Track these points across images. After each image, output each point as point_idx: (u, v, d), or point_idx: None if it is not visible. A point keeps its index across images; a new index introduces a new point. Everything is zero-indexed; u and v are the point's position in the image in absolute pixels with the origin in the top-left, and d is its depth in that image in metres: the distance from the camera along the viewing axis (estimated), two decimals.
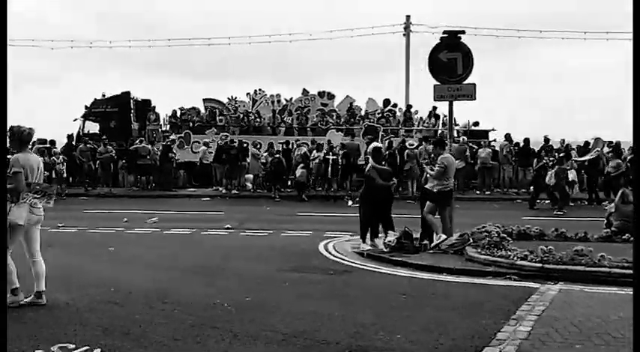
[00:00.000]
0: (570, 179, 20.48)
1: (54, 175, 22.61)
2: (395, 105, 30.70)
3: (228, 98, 30.90)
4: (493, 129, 28.78)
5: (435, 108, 29.86)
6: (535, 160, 21.34)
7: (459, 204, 21.12)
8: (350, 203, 21.04)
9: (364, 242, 12.42)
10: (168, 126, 29.83)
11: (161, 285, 9.07)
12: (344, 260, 11.46)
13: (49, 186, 8.01)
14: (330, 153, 22.29)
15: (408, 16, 32.62)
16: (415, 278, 9.88)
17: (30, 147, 8.24)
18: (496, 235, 11.20)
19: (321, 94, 30.96)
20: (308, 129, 28.94)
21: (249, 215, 18.14)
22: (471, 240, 11.49)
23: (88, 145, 24.89)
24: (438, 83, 12.39)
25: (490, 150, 23.57)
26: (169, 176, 24.28)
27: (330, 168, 22.13)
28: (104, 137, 24.77)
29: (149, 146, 24.25)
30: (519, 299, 8.00)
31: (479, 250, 10.91)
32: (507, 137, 23.83)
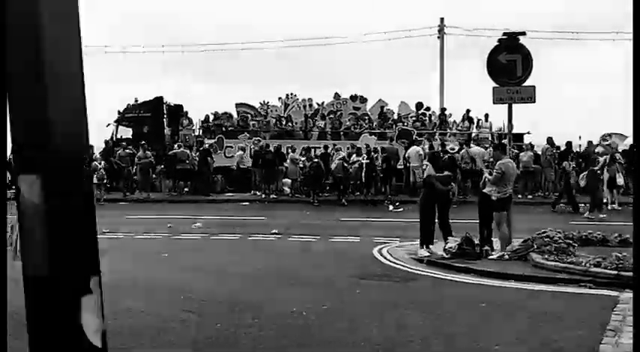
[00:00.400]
0: (618, 183, 20.02)
1: (95, 180, 22.55)
2: (428, 109, 30.44)
3: (260, 103, 30.77)
4: (528, 133, 28.41)
5: (468, 111, 29.65)
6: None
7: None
8: (391, 208, 20.83)
9: (422, 248, 12.20)
10: (200, 131, 29.78)
11: (231, 293, 8.93)
12: (405, 266, 11.23)
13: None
14: (370, 157, 22.00)
15: (442, 19, 32.36)
16: (484, 285, 9.65)
17: None
18: (561, 241, 10.94)
19: (353, 98, 30.75)
20: (341, 133, 28.78)
21: (291, 220, 17.96)
22: (535, 246, 11.23)
23: (127, 150, 24.80)
24: (497, 85, 12.14)
25: (532, 153, 23.16)
26: (207, 181, 24.14)
27: (370, 173, 21.80)
28: (143, 142, 24.66)
29: (187, 151, 24.13)
30: (605, 308, 7.75)
31: (545, 256, 10.64)
32: (549, 141, 23.41)
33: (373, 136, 28.22)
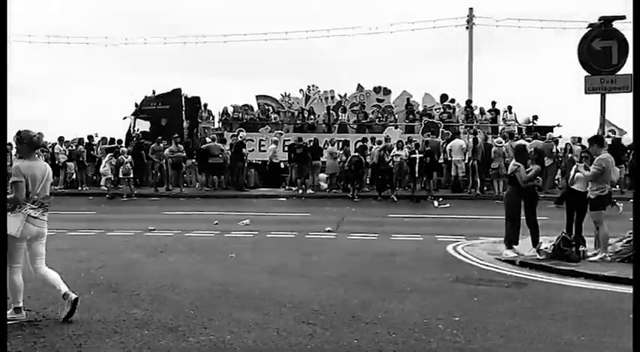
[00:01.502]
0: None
1: (121, 175, 21.65)
2: (453, 101, 29.60)
3: (282, 94, 29.89)
4: (559, 125, 27.75)
5: (494, 103, 28.94)
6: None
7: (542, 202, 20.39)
8: (436, 204, 20.03)
9: (509, 248, 11.39)
10: (220, 124, 28.85)
11: (339, 300, 8.05)
12: (498, 269, 10.43)
13: (48, 197, 7.11)
14: (417, 151, 21.10)
15: (470, 9, 31.50)
16: (609, 291, 8.80)
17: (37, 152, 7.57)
18: None
19: (376, 90, 29.91)
20: (365, 126, 27.95)
21: (337, 217, 17.09)
22: None
23: (161, 144, 23.75)
24: (589, 74, 11.33)
25: (579, 147, 22.36)
26: (241, 175, 23.22)
27: (415, 168, 20.90)
28: (176, 136, 23.68)
29: (220, 144, 23.17)
30: None
31: None
32: (578, 139, 22.55)
33: (399, 129, 27.45)
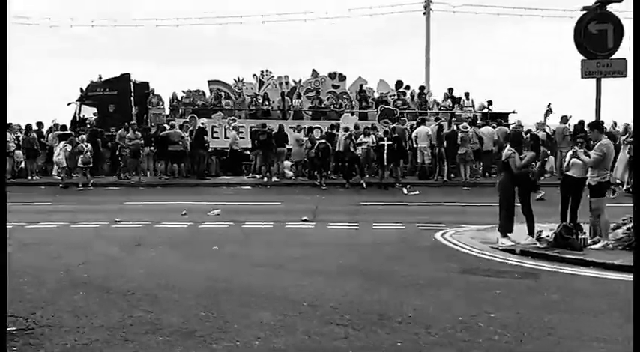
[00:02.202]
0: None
1: (80, 164, 20.32)
2: (407, 87, 29.27)
3: (235, 80, 28.89)
4: (514, 112, 27.83)
5: (451, 90, 28.72)
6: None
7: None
8: (405, 191, 19.64)
9: (505, 237, 11.05)
10: (168, 110, 27.70)
11: (356, 298, 7.48)
12: (500, 258, 10.09)
13: None
14: (385, 139, 20.59)
15: None
16: (622, 280, 8.49)
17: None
18: None
19: (332, 76, 29.17)
20: (320, 112, 27.32)
21: (309, 206, 16.47)
22: None
23: (135, 132, 22.48)
24: (585, 58, 11.06)
25: (545, 133, 22.33)
26: (202, 163, 22.22)
27: (383, 155, 20.39)
28: (133, 122, 22.47)
29: (180, 131, 22.10)
30: None
31: None
32: (563, 119, 22.44)
33: (354, 116, 26.95)
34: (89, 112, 27.28)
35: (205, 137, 22.34)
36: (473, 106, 28.27)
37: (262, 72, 29.22)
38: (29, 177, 22.46)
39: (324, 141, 20.76)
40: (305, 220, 14.14)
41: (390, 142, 20.45)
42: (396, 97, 28.15)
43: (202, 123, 23.03)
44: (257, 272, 8.92)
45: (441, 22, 34.87)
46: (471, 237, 12.00)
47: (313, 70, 29.40)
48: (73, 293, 7.52)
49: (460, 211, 16.05)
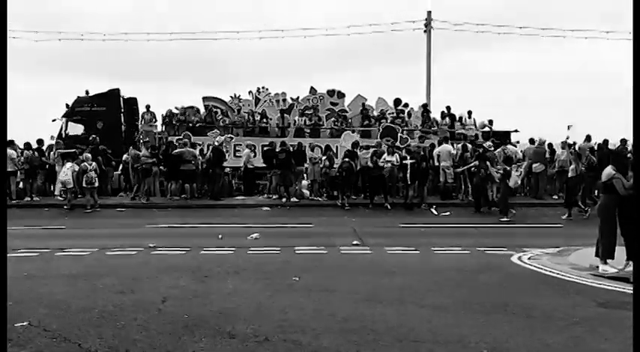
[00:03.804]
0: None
1: (85, 184, 18.68)
2: (406, 105, 28.51)
3: (231, 96, 27.70)
4: (516, 131, 27.35)
5: (448, 108, 28.10)
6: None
7: (536, 209, 19.57)
8: (436, 212, 18.68)
9: (605, 263, 10.14)
10: (163, 127, 26.27)
11: (502, 337, 6.38)
12: (618, 288, 9.07)
13: None
14: (409, 158, 19.62)
15: (429, 12, 30.59)
16: None
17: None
18: None
19: (330, 93, 28.31)
20: (321, 130, 26.31)
21: (346, 228, 15.37)
22: None
23: (148, 150, 21.05)
24: None
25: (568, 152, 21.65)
26: (218, 184, 20.74)
27: (407, 174, 19.39)
28: (147, 139, 20.97)
29: (192, 150, 20.64)
30: None
31: None
32: (587, 138, 21.94)
33: (356, 134, 25.98)
34: (75, 129, 25.75)
35: (223, 158, 20.96)
36: (475, 125, 27.68)
37: (258, 88, 28.15)
38: (27, 198, 20.56)
39: (347, 160, 19.63)
40: (356, 244, 13.03)
41: (413, 161, 19.49)
42: (394, 115, 27.40)
43: (218, 142, 21.59)
44: (382, 310, 7.61)
45: (442, 39, 34.59)
46: (554, 261, 11.11)
47: (311, 87, 28.42)
48: (193, 338, 6.21)
49: (507, 233, 15.20)
